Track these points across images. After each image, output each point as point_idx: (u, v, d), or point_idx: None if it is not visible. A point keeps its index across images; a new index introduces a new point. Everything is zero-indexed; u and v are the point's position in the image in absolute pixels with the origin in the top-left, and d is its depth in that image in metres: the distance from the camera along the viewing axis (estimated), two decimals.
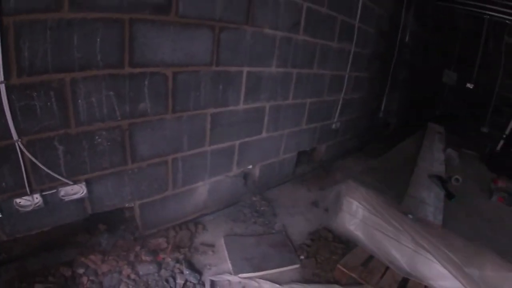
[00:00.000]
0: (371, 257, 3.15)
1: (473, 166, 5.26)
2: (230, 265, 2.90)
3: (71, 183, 2.28)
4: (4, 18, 1.74)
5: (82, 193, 2.37)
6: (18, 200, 2.09)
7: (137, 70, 2.38)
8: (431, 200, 3.38)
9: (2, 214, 2.06)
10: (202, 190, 3.37)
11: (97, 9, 2.06)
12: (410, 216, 3.01)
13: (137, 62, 2.36)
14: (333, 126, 5.29)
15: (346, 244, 3.45)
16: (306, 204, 4.26)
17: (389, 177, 3.82)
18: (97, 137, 2.34)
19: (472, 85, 8.67)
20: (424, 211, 3.14)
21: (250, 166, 3.95)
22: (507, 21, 7.73)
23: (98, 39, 2.11)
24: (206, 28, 2.71)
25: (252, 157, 3.87)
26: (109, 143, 2.42)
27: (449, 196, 3.61)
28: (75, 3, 1.95)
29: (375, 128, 7.42)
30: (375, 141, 7.39)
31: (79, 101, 2.15)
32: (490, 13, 7.70)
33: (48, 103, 2.02)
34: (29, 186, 2.11)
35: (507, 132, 5.61)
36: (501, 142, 5.62)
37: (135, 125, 2.53)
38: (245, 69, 3.22)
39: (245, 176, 3.97)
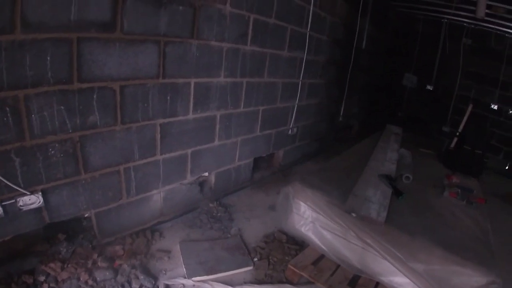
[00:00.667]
0: (322, 256, 3.36)
1: (428, 165, 5.54)
2: (184, 269, 3.13)
3: (28, 193, 2.51)
4: None
5: (39, 203, 2.59)
6: None
7: (86, 85, 2.66)
8: (376, 198, 3.60)
9: None
10: (157, 198, 3.63)
11: (47, 30, 2.34)
12: (353, 214, 3.23)
13: (85, 77, 2.64)
14: (289, 131, 5.61)
15: (301, 245, 3.69)
16: (263, 208, 4.55)
17: (338, 177, 4.05)
18: (50, 149, 2.59)
19: (432, 87, 9.14)
20: (367, 209, 3.35)
21: (206, 174, 4.23)
22: (464, 24, 8.17)
23: (48, 58, 2.39)
24: (151, 43, 3.03)
25: (206, 165, 4.15)
26: (62, 155, 2.67)
27: (397, 193, 3.82)
28: (26, 25, 2.23)
29: (335, 131, 7.78)
30: (337, 144, 7.73)
31: (33, 115, 2.41)
32: (448, 16, 8.13)
33: (4, 118, 2.28)
34: None
35: (460, 129, 5.89)
36: (455, 140, 5.90)
37: (86, 137, 2.79)
38: (193, 80, 3.55)
39: (201, 183, 4.24)
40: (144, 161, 3.36)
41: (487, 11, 5.96)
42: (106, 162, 3.03)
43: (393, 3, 8.48)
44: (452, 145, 5.94)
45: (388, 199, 3.67)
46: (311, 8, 5.03)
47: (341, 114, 7.59)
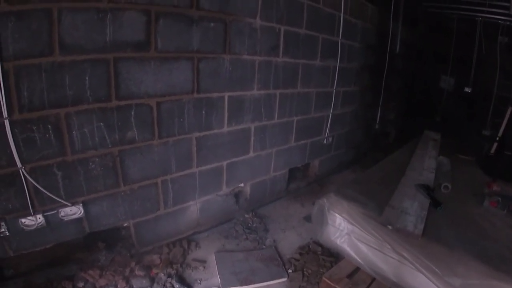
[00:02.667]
0: (357, 269, 3.23)
1: (467, 172, 5.18)
2: (219, 280, 3.16)
3: (69, 204, 2.65)
4: (5, 63, 2.16)
5: (80, 213, 2.72)
6: (23, 220, 2.46)
7: (123, 102, 2.78)
8: (413, 210, 3.40)
9: (9, 232, 2.42)
10: (193, 209, 3.70)
11: (84, 52, 2.47)
12: (389, 227, 3.09)
13: (123, 95, 2.76)
14: (324, 141, 5.56)
15: (336, 257, 3.60)
16: (299, 219, 4.48)
17: (374, 188, 3.90)
18: (91, 163, 2.72)
19: (470, 89, 8.70)
20: (404, 221, 3.17)
21: (241, 185, 4.27)
22: (499, 21, 7.69)
23: (87, 77, 2.53)
24: (185, 59, 3.13)
25: (242, 176, 4.19)
26: (102, 168, 2.80)
27: (435, 204, 3.58)
28: (64, 48, 2.37)
29: (372, 139, 7.62)
30: (374, 151, 7.53)
31: (73, 132, 2.55)
32: (482, 14, 7.75)
33: (47, 135, 2.43)
34: (33, 207, 2.48)
35: (500, 134, 5.62)
36: (495, 145, 5.65)
37: (125, 152, 2.91)
38: (227, 94, 3.62)
39: (237, 194, 4.29)
40: (181, 173, 3.44)
41: None
42: (144, 175, 3.13)
43: (424, 3, 8.28)
44: (492, 150, 5.68)
45: (425, 210, 3.46)
46: (342, 15, 5.01)
47: (377, 121, 7.46)
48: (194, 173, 3.58)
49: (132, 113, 2.88)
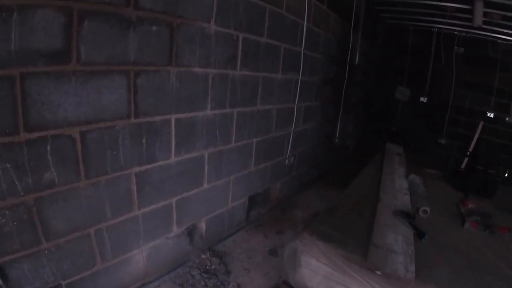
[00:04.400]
0: None
1: (437, 188, 5.18)
2: None
3: None
4: None
5: None
6: None
7: (35, 134, 2.07)
8: (399, 246, 3.13)
9: None
10: (138, 257, 3.05)
11: None
12: (378, 272, 2.78)
13: (34, 125, 2.06)
14: (286, 162, 5.14)
15: None
16: (263, 254, 4.02)
17: (350, 220, 3.60)
18: (0, 218, 2.03)
19: (426, 99, 8.96)
20: (394, 264, 2.88)
21: (195, 222, 3.68)
22: (455, 32, 8.07)
23: None
24: (118, 74, 2.44)
25: (195, 212, 3.59)
26: (15, 223, 2.11)
27: (419, 235, 3.41)
28: None
29: (333, 154, 7.41)
30: (335, 166, 7.42)
31: None
32: (438, 26, 8.02)
33: None
34: None
35: (470, 149, 5.64)
36: (465, 160, 5.65)
37: (43, 199, 2.21)
38: (173, 117, 2.97)
39: (190, 232, 3.68)
40: (119, 219, 2.76)
41: (483, 18, 5.78)
42: (71, 226, 2.44)
43: (382, 15, 8.35)
44: (463, 165, 5.68)
45: (412, 245, 3.20)
46: (305, 24, 4.58)
47: (337, 134, 7.23)
48: (136, 217, 2.90)
49: (48, 148, 2.16)
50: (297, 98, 4.90)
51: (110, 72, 2.38)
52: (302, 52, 4.71)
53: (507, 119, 8.01)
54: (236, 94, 3.62)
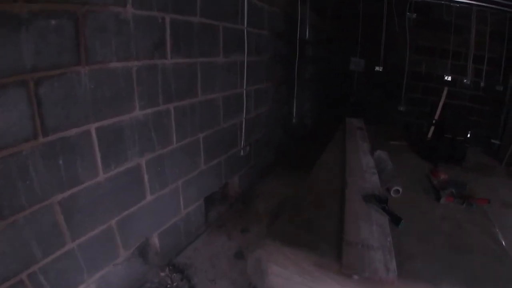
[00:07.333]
0: None
1: (405, 160, 5.04)
2: None
3: None
4: None
5: None
6: None
7: None
8: (375, 240, 2.78)
9: None
10: None
11: None
12: (355, 277, 2.47)
13: None
14: (242, 152, 4.75)
15: None
16: (229, 258, 3.72)
17: (317, 214, 3.24)
18: None
19: (381, 68, 8.86)
20: (372, 263, 2.54)
21: (144, 240, 3.24)
22: None
23: None
24: (13, 87, 1.92)
25: (143, 229, 3.15)
26: None
27: (395, 221, 3.11)
28: None
29: (292, 135, 7.14)
30: (296, 147, 7.20)
31: None
32: None
33: None
34: None
35: (436, 117, 5.34)
36: (432, 129, 5.39)
37: None
38: (93, 126, 2.46)
39: (143, 251, 3.26)
40: (52, 257, 2.30)
41: None
42: None
43: None
44: (429, 135, 5.41)
45: (389, 235, 2.84)
46: None
47: (294, 115, 6.92)
48: (71, 250, 2.44)
49: None
50: (245, 82, 4.48)
51: (2, 87, 1.87)
52: (245, 30, 4.26)
53: (465, 80, 8.09)
54: (170, 87, 3.14)
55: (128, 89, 2.70)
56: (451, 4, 7.59)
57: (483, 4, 7.26)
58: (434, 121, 5.34)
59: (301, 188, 3.92)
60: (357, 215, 3.15)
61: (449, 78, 8.24)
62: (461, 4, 7.50)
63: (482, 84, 7.93)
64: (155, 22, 2.85)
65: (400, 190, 3.72)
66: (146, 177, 3.03)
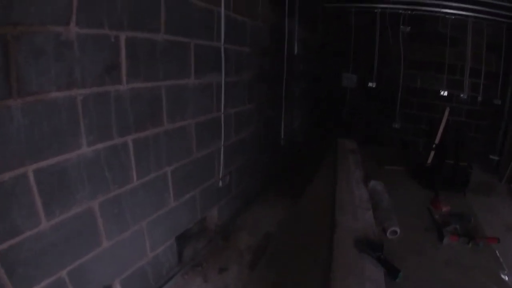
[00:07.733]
0: None
1: (403, 189, 4.83)
2: None
3: None
4: None
5: None
6: None
7: None
8: None
9: None
10: None
11: None
12: None
13: None
14: (220, 183, 4.32)
15: None
16: None
17: (302, 261, 2.98)
18: None
19: (374, 84, 8.64)
20: None
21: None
22: (400, 11, 7.86)
23: None
24: None
25: (102, 277, 2.75)
26: None
27: (392, 274, 2.81)
28: None
29: (280, 158, 6.75)
30: (284, 171, 6.80)
31: None
32: (381, 5, 7.89)
33: None
34: None
35: (436, 141, 5.12)
36: (432, 154, 5.18)
37: None
38: (30, 168, 2.07)
39: None
40: None
41: None
42: None
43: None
44: (429, 160, 5.22)
45: None
46: (223, 12, 3.73)
47: (282, 136, 6.53)
48: None
49: None
50: (222, 105, 4.08)
51: None
52: (222, 47, 3.88)
53: (461, 95, 7.93)
54: (126, 117, 2.73)
55: (72, 123, 2.30)
56: (446, 16, 7.52)
57: (477, 14, 7.19)
58: (434, 146, 5.12)
59: (286, 223, 3.77)
60: (347, 269, 2.80)
61: (445, 93, 8.08)
62: (456, 16, 7.43)
63: (479, 98, 7.79)
64: (107, 41, 2.46)
65: (398, 231, 3.47)
66: (100, 221, 2.62)
